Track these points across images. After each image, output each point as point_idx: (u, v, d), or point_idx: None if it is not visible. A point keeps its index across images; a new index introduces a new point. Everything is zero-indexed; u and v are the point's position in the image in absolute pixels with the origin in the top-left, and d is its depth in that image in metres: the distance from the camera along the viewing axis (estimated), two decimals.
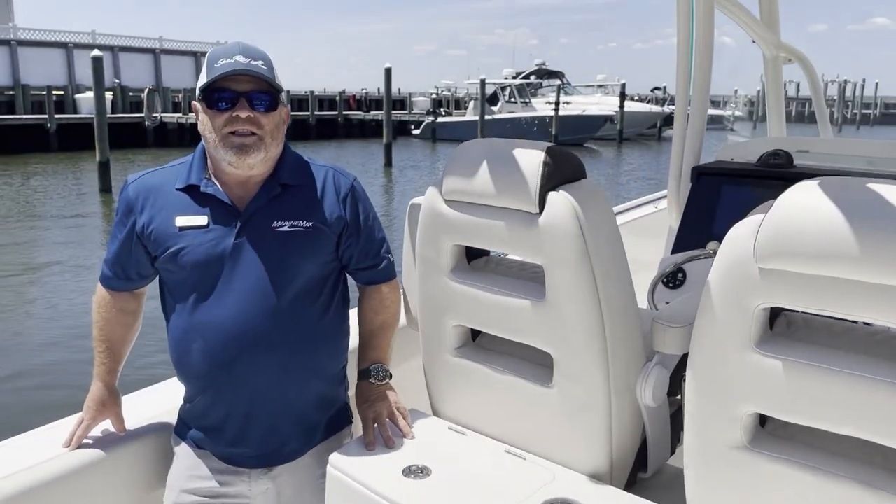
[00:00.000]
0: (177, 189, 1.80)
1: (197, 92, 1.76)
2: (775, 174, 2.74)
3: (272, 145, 1.76)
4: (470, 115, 39.93)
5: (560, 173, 1.72)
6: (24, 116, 31.28)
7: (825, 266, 1.30)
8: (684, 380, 1.98)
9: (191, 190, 1.79)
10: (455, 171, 1.84)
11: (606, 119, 37.79)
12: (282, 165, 1.83)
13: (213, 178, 1.80)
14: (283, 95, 1.81)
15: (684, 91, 2.95)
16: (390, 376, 1.98)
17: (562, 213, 1.67)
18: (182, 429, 1.91)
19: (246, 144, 1.71)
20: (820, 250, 1.30)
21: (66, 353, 7.73)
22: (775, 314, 1.50)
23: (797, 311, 1.48)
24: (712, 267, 1.48)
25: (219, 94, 1.71)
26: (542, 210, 1.70)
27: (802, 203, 1.34)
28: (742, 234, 1.42)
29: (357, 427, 2.04)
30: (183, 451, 1.90)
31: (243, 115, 1.69)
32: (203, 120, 1.74)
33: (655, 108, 44.19)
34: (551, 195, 1.69)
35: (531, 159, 1.71)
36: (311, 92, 42.74)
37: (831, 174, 2.68)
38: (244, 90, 1.71)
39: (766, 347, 1.42)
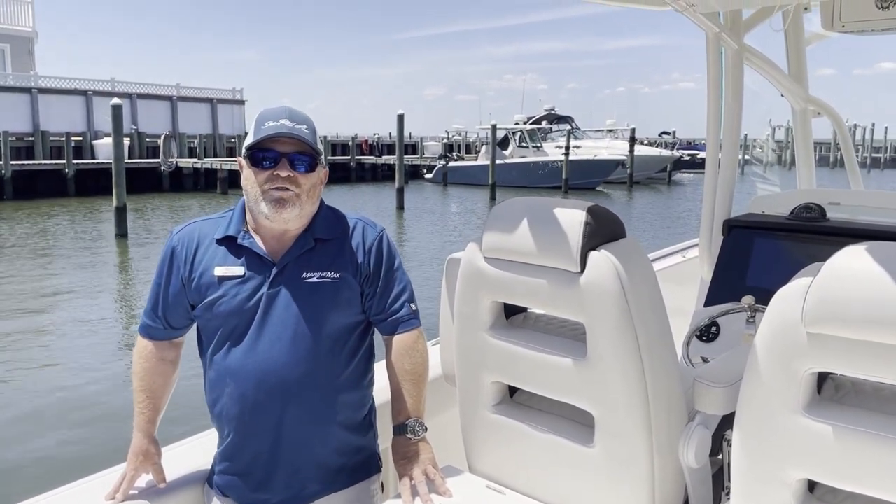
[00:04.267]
0: (216, 240, 1.88)
1: (243, 149, 1.86)
2: (809, 228, 2.74)
3: (308, 203, 1.85)
4: (482, 160, 40.16)
5: (601, 233, 1.73)
6: (43, 162, 31.70)
7: (876, 332, 1.29)
8: (725, 440, 1.96)
9: (229, 241, 1.88)
10: (495, 228, 1.86)
11: (618, 163, 37.95)
12: (316, 221, 1.91)
13: (252, 232, 1.88)
14: (323, 158, 1.89)
15: (715, 144, 2.98)
16: (426, 429, 1.97)
17: (604, 273, 1.68)
18: (212, 477, 1.96)
19: (283, 199, 1.79)
20: (870, 316, 1.29)
21: (76, 396, 7.73)
22: (822, 377, 1.49)
23: (845, 375, 1.47)
24: (759, 329, 1.47)
25: (263, 154, 1.81)
26: (583, 269, 1.71)
27: (852, 268, 1.34)
28: (790, 297, 1.41)
29: (386, 476, 2.06)
30: (212, 501, 1.94)
31: (283, 174, 1.79)
32: (246, 175, 1.84)
33: (665, 153, 44.41)
34: (593, 255, 1.70)
35: (572, 219, 1.72)
36: (325, 137, 43.32)
37: (865, 228, 2.70)
38: (286, 151, 1.80)
39: (815, 412, 1.41)
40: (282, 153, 1.79)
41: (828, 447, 1.38)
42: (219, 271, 1.85)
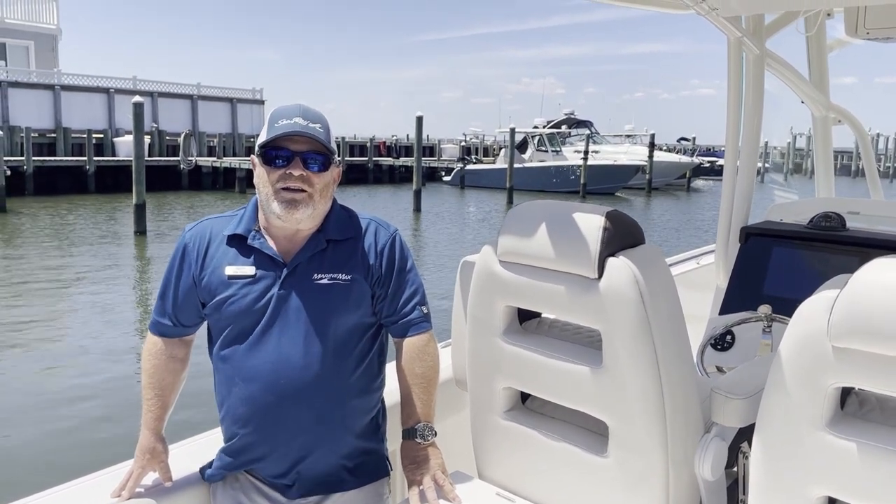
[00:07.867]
0: (226, 237, 1.87)
1: (256, 147, 1.84)
2: (828, 237, 2.69)
3: (320, 203, 1.83)
4: (500, 163, 40.03)
5: (619, 238, 1.70)
6: (65, 158, 32.06)
7: None
8: (741, 452, 1.92)
9: (239, 240, 1.86)
10: (511, 231, 1.83)
11: (638, 169, 37.73)
12: (329, 221, 1.89)
13: (263, 231, 1.86)
14: (336, 157, 1.87)
15: (734, 150, 2.93)
16: (435, 434, 1.94)
17: (622, 280, 1.64)
18: (217, 472, 1.93)
19: (296, 200, 1.77)
20: None
21: (91, 394, 7.78)
22: (846, 392, 1.45)
23: (870, 391, 1.43)
24: (782, 341, 1.44)
25: (276, 152, 1.79)
26: (601, 275, 1.67)
27: (881, 281, 1.30)
28: (815, 311, 1.37)
29: (394, 479, 2.05)
30: (217, 500, 1.93)
31: (296, 173, 1.77)
32: (259, 174, 1.82)
33: (685, 159, 44.08)
34: (611, 261, 1.67)
35: (590, 224, 1.69)
36: (343, 138, 43.50)
37: (886, 239, 2.64)
38: (300, 150, 1.78)
39: (839, 428, 1.37)
40: (295, 152, 1.78)
41: (851, 464, 1.35)
42: (229, 270, 1.84)
